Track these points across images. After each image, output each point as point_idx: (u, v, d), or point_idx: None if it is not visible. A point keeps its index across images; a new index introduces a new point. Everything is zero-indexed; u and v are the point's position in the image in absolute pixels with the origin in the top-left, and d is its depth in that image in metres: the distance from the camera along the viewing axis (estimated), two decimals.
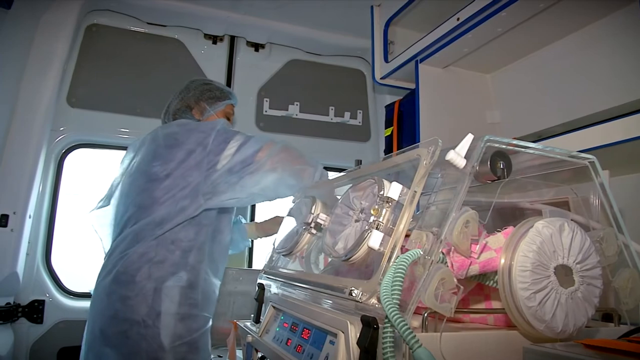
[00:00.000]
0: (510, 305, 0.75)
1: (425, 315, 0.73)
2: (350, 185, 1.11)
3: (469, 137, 0.81)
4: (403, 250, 0.78)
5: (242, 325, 1.26)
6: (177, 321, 1.47)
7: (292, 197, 1.53)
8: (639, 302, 0.88)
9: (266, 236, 1.99)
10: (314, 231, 1.17)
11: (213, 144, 1.57)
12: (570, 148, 0.95)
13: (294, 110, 2.70)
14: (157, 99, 2.11)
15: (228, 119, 1.85)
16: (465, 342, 0.75)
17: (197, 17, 2.43)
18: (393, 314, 0.66)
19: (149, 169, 1.58)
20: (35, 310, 2.09)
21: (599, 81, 1.54)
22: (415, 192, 0.83)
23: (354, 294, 0.78)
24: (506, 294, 0.75)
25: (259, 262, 2.57)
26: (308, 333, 0.90)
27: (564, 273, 0.77)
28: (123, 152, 1.81)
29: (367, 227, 0.88)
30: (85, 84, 2.31)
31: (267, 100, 2.68)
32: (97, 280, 1.56)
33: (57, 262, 2.22)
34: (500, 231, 0.82)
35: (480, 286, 0.90)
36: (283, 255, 1.28)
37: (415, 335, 0.64)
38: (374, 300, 0.75)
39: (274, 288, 1.21)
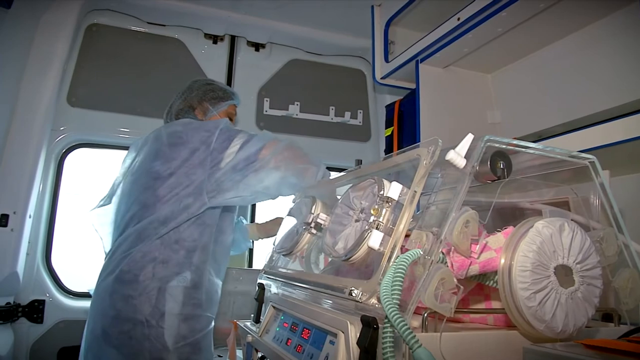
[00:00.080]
0: (510, 305, 0.75)
1: (425, 315, 0.73)
2: (351, 185, 1.11)
3: (469, 137, 0.80)
4: (403, 250, 0.78)
5: (242, 325, 1.26)
6: (181, 321, 1.47)
7: (292, 197, 1.53)
8: (639, 302, 0.88)
9: (267, 237, 1.99)
10: (314, 231, 1.17)
11: (217, 142, 1.56)
12: (570, 148, 0.95)
13: (294, 110, 2.70)
14: (158, 98, 2.12)
15: (230, 119, 1.84)
16: (465, 342, 0.75)
17: (198, 16, 2.44)
18: (393, 314, 0.66)
19: (153, 168, 1.57)
20: (35, 310, 2.09)
21: (599, 81, 1.54)
22: (415, 192, 0.83)
23: (354, 294, 0.78)
24: (506, 294, 0.75)
25: (259, 262, 2.57)
26: (308, 333, 0.90)
27: (564, 273, 0.77)
28: (123, 152, 1.81)
29: (367, 227, 0.88)
30: (86, 84, 2.31)
31: (267, 100, 2.67)
32: (98, 280, 1.55)
33: (57, 262, 2.22)
34: (500, 231, 0.82)
35: (480, 286, 0.90)
36: (283, 255, 1.28)
37: (415, 335, 0.64)
38: (373, 300, 0.75)
39: (274, 288, 1.21)
